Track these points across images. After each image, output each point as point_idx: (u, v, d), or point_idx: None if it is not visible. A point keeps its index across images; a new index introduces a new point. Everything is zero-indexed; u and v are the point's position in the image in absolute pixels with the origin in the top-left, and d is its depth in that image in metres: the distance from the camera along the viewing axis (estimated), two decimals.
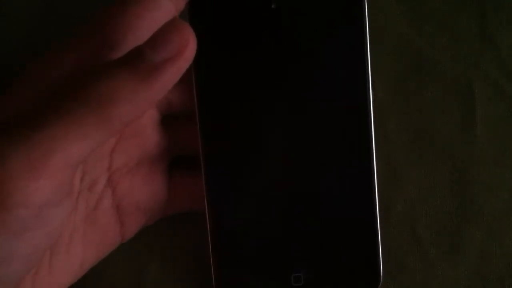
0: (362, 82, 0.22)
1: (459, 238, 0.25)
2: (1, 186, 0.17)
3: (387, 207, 0.25)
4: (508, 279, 0.24)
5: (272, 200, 0.23)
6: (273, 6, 0.22)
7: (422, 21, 0.27)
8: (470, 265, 0.25)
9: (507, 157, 0.26)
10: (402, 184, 0.26)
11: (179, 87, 0.23)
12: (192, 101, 0.22)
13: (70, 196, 0.19)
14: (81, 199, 0.22)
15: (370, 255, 0.23)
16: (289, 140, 0.22)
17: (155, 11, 0.20)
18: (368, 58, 0.22)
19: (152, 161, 0.24)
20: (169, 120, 0.24)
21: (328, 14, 0.22)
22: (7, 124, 0.18)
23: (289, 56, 0.22)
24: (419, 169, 0.26)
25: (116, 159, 0.23)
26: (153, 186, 0.24)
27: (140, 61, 0.17)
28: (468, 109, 0.26)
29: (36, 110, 0.18)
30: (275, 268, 0.23)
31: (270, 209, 0.23)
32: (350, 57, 0.22)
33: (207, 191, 0.23)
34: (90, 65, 0.20)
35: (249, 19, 0.22)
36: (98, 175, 0.22)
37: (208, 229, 0.23)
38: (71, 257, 0.22)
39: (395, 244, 0.25)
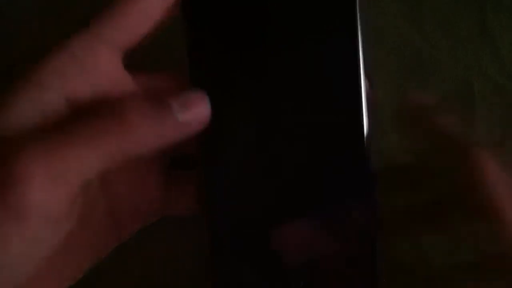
0: (355, 80, 0.22)
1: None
2: (21, 197, 0.18)
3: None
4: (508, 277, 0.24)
5: (271, 200, 0.23)
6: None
7: (422, 21, 0.27)
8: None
9: (507, 157, 0.26)
10: None
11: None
12: None
13: (75, 210, 0.20)
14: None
15: (368, 257, 0.23)
16: (286, 139, 0.22)
17: (143, 4, 0.21)
18: (360, 56, 0.22)
19: (147, 163, 0.24)
20: None
21: (319, 8, 0.22)
22: (32, 134, 0.19)
23: (281, 52, 0.22)
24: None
25: None
26: (148, 187, 0.24)
27: (169, 115, 0.20)
28: (468, 109, 0.26)
29: (62, 126, 0.19)
30: (274, 268, 0.23)
31: (269, 209, 0.23)
32: (343, 53, 0.22)
33: (206, 191, 0.23)
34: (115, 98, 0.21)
35: (242, 14, 0.22)
36: (91, 179, 0.22)
37: (207, 230, 0.23)
38: (68, 258, 0.22)
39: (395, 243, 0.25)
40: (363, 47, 0.22)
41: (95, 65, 0.20)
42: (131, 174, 0.23)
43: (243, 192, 0.23)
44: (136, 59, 0.22)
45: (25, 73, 0.20)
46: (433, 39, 0.27)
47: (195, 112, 0.21)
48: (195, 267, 0.25)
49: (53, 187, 0.18)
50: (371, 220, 0.23)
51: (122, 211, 0.23)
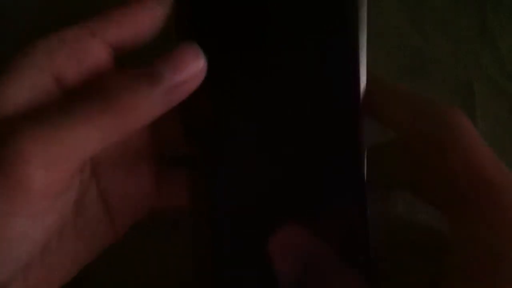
0: (354, 80, 0.22)
1: None
2: (23, 175, 0.18)
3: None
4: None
5: (270, 201, 0.23)
6: None
7: (422, 21, 0.27)
8: None
9: (507, 156, 0.26)
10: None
11: None
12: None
13: (73, 187, 0.21)
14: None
15: (368, 259, 0.23)
16: (284, 139, 0.22)
17: (140, 9, 0.21)
18: (359, 56, 0.22)
19: (138, 158, 0.24)
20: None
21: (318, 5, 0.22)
22: (27, 117, 0.19)
23: (279, 51, 0.22)
24: None
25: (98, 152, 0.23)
26: (139, 181, 0.24)
27: (162, 80, 0.20)
28: (468, 109, 0.26)
29: (57, 108, 0.19)
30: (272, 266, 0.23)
31: (268, 210, 0.23)
32: (343, 50, 0.22)
33: (206, 191, 0.23)
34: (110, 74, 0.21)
35: (240, 12, 0.22)
36: (83, 166, 0.22)
37: (207, 230, 0.23)
38: (62, 251, 0.22)
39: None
40: (362, 47, 0.22)
41: (84, 52, 0.21)
42: (120, 166, 0.24)
43: (243, 192, 0.23)
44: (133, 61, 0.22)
45: (16, 56, 0.20)
46: (433, 39, 0.27)
47: (189, 69, 0.20)
48: (194, 266, 0.25)
49: (53, 165, 0.19)
50: (371, 222, 0.23)
51: (113, 201, 0.23)
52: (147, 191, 0.24)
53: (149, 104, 0.20)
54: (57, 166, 0.19)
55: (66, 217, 0.22)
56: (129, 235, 0.25)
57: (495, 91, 0.26)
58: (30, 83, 0.20)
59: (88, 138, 0.19)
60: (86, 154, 0.20)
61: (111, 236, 0.24)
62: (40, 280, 0.21)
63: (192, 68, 0.20)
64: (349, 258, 0.23)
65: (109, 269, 0.25)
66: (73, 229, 0.22)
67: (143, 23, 0.21)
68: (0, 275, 0.19)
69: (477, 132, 0.20)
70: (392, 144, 0.23)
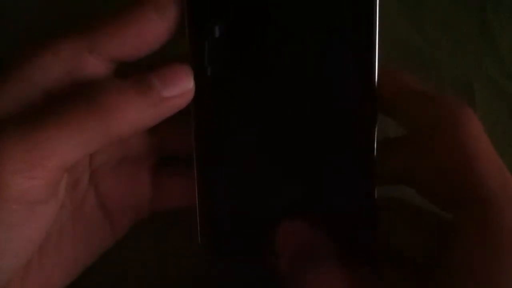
0: (369, 81, 0.22)
1: None
2: None
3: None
4: None
5: (274, 197, 0.23)
6: None
7: (422, 21, 0.27)
8: None
9: (507, 157, 0.26)
10: (403, 186, 0.26)
11: None
12: None
13: (57, 195, 0.20)
14: (66, 196, 0.22)
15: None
16: (286, 137, 0.22)
17: (142, 25, 0.20)
18: (376, 55, 0.21)
19: (136, 160, 0.24)
20: None
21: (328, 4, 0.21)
22: (7, 122, 0.19)
23: (284, 52, 0.22)
24: None
25: (96, 158, 0.23)
26: (137, 184, 0.24)
27: (151, 91, 0.19)
28: None
29: (38, 112, 0.19)
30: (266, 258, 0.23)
31: (266, 208, 0.23)
32: (356, 49, 0.22)
33: (201, 189, 0.23)
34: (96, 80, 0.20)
35: (246, 10, 0.22)
36: (81, 173, 0.23)
37: (198, 223, 0.23)
38: (61, 255, 0.22)
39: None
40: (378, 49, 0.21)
41: (79, 69, 0.20)
42: (118, 170, 0.24)
43: (240, 191, 0.23)
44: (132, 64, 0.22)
45: (11, 67, 0.20)
46: (433, 39, 0.27)
47: (179, 86, 0.20)
48: (193, 265, 0.25)
49: (30, 170, 0.18)
50: (370, 210, 0.22)
51: (111, 205, 0.24)
52: (146, 192, 0.24)
53: (135, 112, 0.19)
54: (36, 170, 0.18)
55: (64, 222, 0.22)
56: (129, 235, 0.25)
57: (495, 91, 0.26)
58: (21, 97, 0.20)
59: (70, 141, 0.18)
60: (70, 159, 0.19)
61: (110, 238, 0.24)
62: (39, 283, 0.21)
63: (182, 86, 0.20)
64: (353, 255, 0.23)
65: (109, 269, 0.25)
66: (72, 233, 0.22)
67: (145, 36, 0.20)
68: None
69: (482, 130, 0.20)
70: (397, 140, 0.23)
